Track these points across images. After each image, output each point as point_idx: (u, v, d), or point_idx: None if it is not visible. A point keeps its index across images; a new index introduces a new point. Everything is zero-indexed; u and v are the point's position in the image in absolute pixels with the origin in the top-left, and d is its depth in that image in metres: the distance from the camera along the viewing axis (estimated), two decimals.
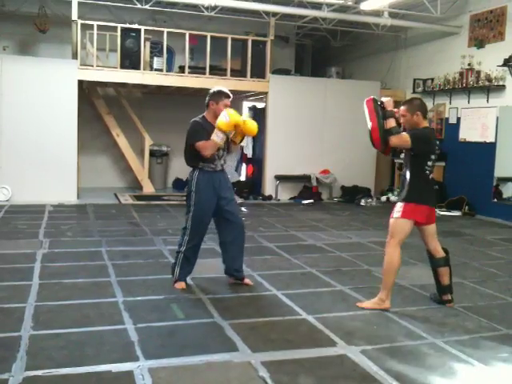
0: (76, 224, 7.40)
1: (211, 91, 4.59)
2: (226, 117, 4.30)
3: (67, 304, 4.10)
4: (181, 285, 4.59)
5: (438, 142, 4.32)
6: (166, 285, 4.66)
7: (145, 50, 9.95)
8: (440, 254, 4.36)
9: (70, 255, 5.61)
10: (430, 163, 4.16)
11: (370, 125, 4.22)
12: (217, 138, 4.33)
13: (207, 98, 4.57)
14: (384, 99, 4.27)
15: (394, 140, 4.10)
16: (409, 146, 4.09)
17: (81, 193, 9.82)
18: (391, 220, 4.24)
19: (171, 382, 2.94)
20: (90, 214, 8.30)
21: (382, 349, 3.46)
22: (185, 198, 4.65)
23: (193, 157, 4.50)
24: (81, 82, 9.78)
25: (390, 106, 4.19)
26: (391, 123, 4.13)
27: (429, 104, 10.69)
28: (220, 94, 4.52)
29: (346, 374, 3.09)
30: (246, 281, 4.79)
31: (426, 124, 4.28)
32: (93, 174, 11.25)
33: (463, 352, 3.45)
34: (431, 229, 4.32)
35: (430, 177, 4.22)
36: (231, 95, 4.59)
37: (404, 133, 4.14)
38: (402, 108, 4.25)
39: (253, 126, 4.57)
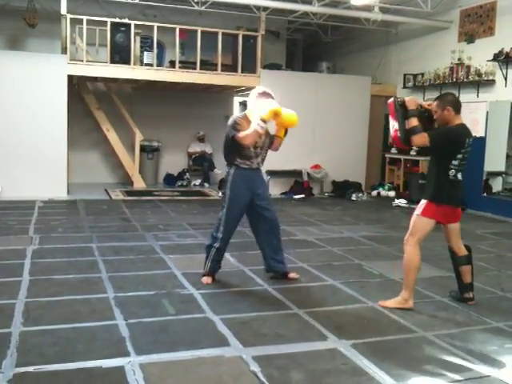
0: (66, 220, 7.37)
1: (254, 91, 4.59)
2: (265, 108, 4.32)
3: (58, 300, 4.08)
4: (208, 280, 4.61)
5: (470, 140, 4.14)
6: (158, 280, 4.66)
7: (135, 44, 9.89)
8: (462, 252, 4.30)
9: (61, 251, 5.58)
10: (455, 162, 4.05)
11: (392, 125, 4.16)
12: (258, 126, 4.31)
13: (250, 98, 4.59)
14: (406, 98, 4.17)
15: (414, 140, 4.02)
16: (428, 144, 4.01)
17: (71, 188, 9.77)
18: (413, 217, 4.17)
19: (162, 377, 2.94)
20: (81, 209, 8.26)
21: (373, 343, 3.48)
22: (220, 194, 4.71)
23: (232, 152, 4.52)
24: (70, 77, 9.71)
25: (412, 105, 4.07)
26: (412, 122, 4.03)
27: (419, 99, 10.73)
28: (261, 95, 4.55)
29: (337, 368, 3.11)
30: (291, 275, 4.82)
31: (459, 120, 4.11)
32: (83, 169, 11.18)
33: (453, 345, 3.47)
34: (455, 227, 4.25)
35: (458, 175, 4.09)
36: (273, 95, 4.59)
37: (425, 132, 4.02)
38: (434, 103, 4.17)
39: (292, 116, 4.55)
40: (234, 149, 4.49)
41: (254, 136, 4.39)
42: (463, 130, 4.13)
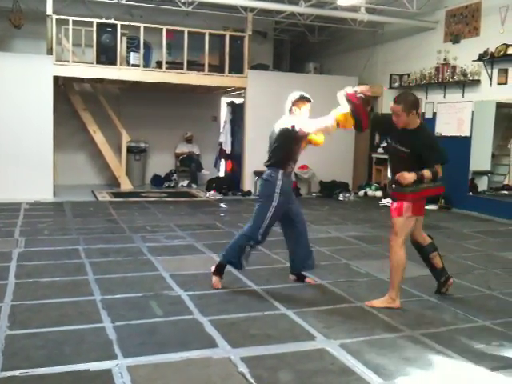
0: (53, 222, 7.31)
1: (293, 96, 4.56)
2: (344, 109, 4.18)
3: (44, 303, 4.05)
4: (218, 284, 4.53)
5: None
6: (145, 282, 4.64)
7: (121, 45, 9.85)
8: (427, 241, 4.42)
9: (47, 254, 5.54)
10: None
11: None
12: (330, 123, 4.22)
13: (289, 104, 4.55)
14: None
15: (440, 173, 4.03)
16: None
17: (57, 190, 9.70)
18: (398, 218, 4.14)
19: (150, 379, 2.93)
20: (67, 211, 8.21)
21: (361, 342, 3.49)
22: (262, 195, 4.59)
23: (287, 154, 4.47)
24: (56, 78, 9.66)
25: (408, 179, 3.98)
26: (427, 177, 3.98)
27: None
28: (302, 99, 4.53)
29: (325, 368, 3.11)
30: (308, 279, 4.83)
31: (418, 121, 4.15)
32: (69, 171, 11.11)
33: (440, 344, 3.49)
34: (421, 219, 4.35)
35: None
36: (311, 99, 4.58)
37: (436, 167, 3.99)
38: (396, 106, 4.04)
39: (321, 138, 4.62)
40: (290, 150, 4.46)
41: (322, 130, 4.39)
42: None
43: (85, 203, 9.09)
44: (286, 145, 4.46)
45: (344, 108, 4.17)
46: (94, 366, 3.02)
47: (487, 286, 4.81)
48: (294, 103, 4.53)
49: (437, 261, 4.44)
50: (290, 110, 4.55)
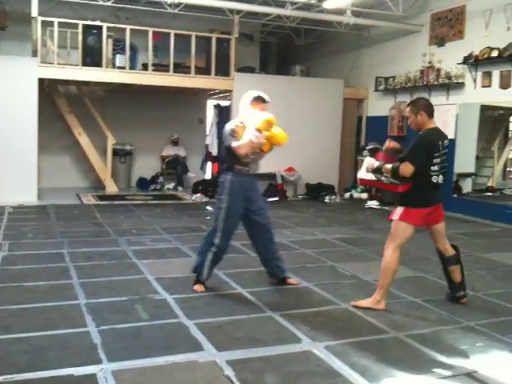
0: (37, 225, 7.24)
1: (248, 96, 4.53)
2: (260, 117, 4.28)
3: (28, 307, 4.00)
4: (201, 287, 4.52)
5: (445, 142, 4.16)
6: (130, 286, 4.61)
7: (107, 47, 9.80)
8: (449, 252, 4.35)
9: (31, 257, 5.48)
10: (434, 168, 4.06)
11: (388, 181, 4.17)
12: (252, 136, 4.27)
13: (243, 103, 4.53)
14: (367, 165, 4.26)
15: (403, 173, 3.99)
16: (414, 168, 3.98)
17: (42, 193, 9.62)
18: (392, 222, 4.18)
19: (136, 383, 2.90)
20: (52, 215, 8.14)
21: (347, 344, 3.50)
22: (217, 199, 4.59)
23: (230, 158, 4.45)
24: (41, 80, 9.57)
25: (371, 166, 4.19)
26: (386, 168, 4.07)
27: (390, 102, 10.90)
28: (257, 99, 4.50)
29: (311, 370, 3.12)
30: (291, 280, 4.80)
31: (431, 124, 4.15)
32: (54, 174, 11.02)
33: (425, 345, 3.51)
34: (439, 228, 4.30)
35: (439, 179, 4.11)
36: (269, 100, 4.55)
37: (402, 164, 4.00)
38: (407, 109, 4.20)
39: (283, 135, 4.54)
40: (233, 154, 4.42)
41: (249, 146, 4.32)
42: (434, 134, 4.15)
43: (69, 206, 9.02)
44: (226, 151, 4.47)
45: (261, 116, 4.27)
46: (78, 371, 2.99)
47: (471, 287, 4.84)
48: (249, 103, 4.50)
49: (456, 275, 4.35)
50: (244, 110, 4.52)
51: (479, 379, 3.09)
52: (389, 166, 4.07)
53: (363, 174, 4.30)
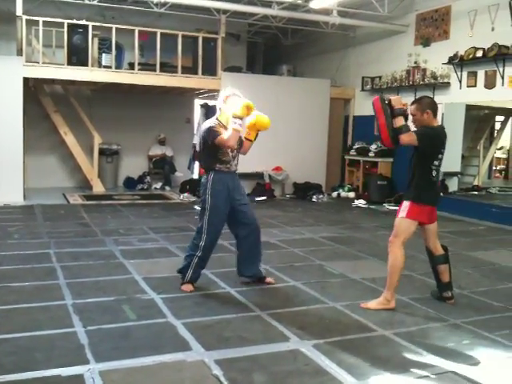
0: (23, 226, 7.18)
1: (221, 93, 4.52)
2: (237, 105, 4.26)
3: (15, 308, 3.97)
4: (189, 287, 4.51)
5: (445, 140, 4.25)
6: (118, 286, 4.59)
7: (93, 46, 9.74)
8: (439, 251, 4.39)
9: (17, 258, 5.43)
10: (436, 162, 4.14)
11: (378, 123, 4.15)
12: (235, 125, 4.22)
13: (218, 101, 4.51)
14: (392, 97, 4.16)
15: (403, 138, 4.04)
16: (416, 143, 4.06)
17: (28, 193, 9.53)
18: (397, 219, 4.21)
19: None
20: (38, 215, 8.07)
21: (334, 342, 3.51)
22: (200, 201, 4.55)
23: (210, 158, 4.43)
24: (26, 80, 9.49)
25: (398, 104, 4.09)
26: (400, 121, 4.05)
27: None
28: (229, 97, 4.46)
29: (299, 369, 3.12)
30: (268, 279, 4.78)
31: (436, 122, 4.24)
32: (40, 173, 10.93)
33: (412, 343, 3.53)
34: (433, 227, 4.35)
35: (438, 176, 4.21)
36: (241, 95, 4.52)
37: (412, 131, 4.09)
38: (412, 107, 4.21)
39: (264, 118, 4.53)
40: (212, 154, 4.40)
41: (236, 136, 4.30)
42: (442, 130, 4.28)
43: (56, 206, 8.96)
44: (206, 151, 4.45)
45: (239, 102, 4.27)
46: (65, 372, 2.97)
47: (458, 286, 4.88)
48: (224, 100, 4.48)
49: (444, 275, 4.38)
50: (220, 108, 4.51)
51: (466, 377, 3.11)
52: (402, 121, 4.06)
53: (383, 100, 4.15)
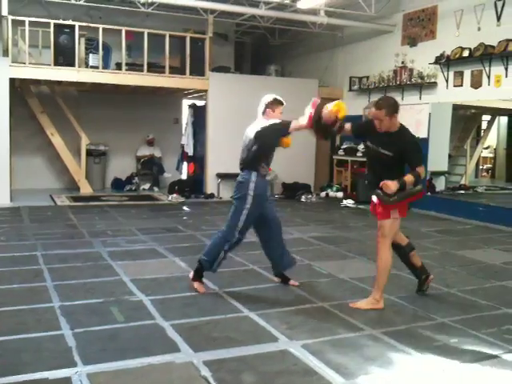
0: (9, 228, 7.12)
1: (266, 99, 4.61)
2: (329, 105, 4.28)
3: (2, 311, 3.94)
4: (202, 288, 4.54)
5: None
6: (106, 288, 4.57)
7: (80, 46, 9.69)
8: (405, 240, 4.48)
9: (4, 260, 5.39)
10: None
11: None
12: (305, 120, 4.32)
13: (263, 107, 4.60)
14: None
15: (423, 175, 4.10)
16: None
17: (14, 195, 9.46)
18: (382, 221, 4.19)
19: None
20: (25, 216, 8.01)
21: (323, 342, 3.51)
22: (236, 197, 4.56)
23: (261, 155, 4.50)
24: (13, 80, 9.42)
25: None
26: (410, 181, 4.02)
27: (364, 102, 10.99)
28: (276, 102, 4.60)
29: (288, 369, 3.13)
30: (292, 282, 4.80)
31: (398, 123, 4.18)
32: (27, 175, 10.87)
33: (400, 342, 3.55)
34: (400, 221, 4.35)
35: None
36: (284, 102, 4.64)
37: (416, 169, 4.03)
38: (379, 111, 4.06)
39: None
40: (265, 154, 4.51)
41: (301, 127, 4.39)
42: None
43: (43, 208, 8.90)
44: (261, 147, 4.49)
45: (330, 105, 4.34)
46: (52, 375, 2.95)
47: (445, 284, 4.92)
48: (269, 106, 4.59)
49: (416, 260, 4.51)
50: (264, 112, 4.60)
51: (454, 375, 3.14)
52: (411, 179, 4.01)
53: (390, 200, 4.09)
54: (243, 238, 4.58)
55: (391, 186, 3.97)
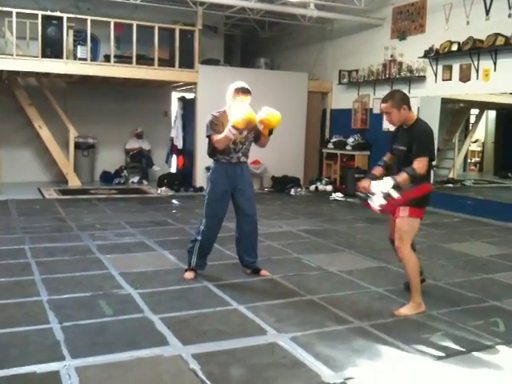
0: None
1: (231, 86, 4.56)
2: (238, 114, 4.31)
3: None
4: (190, 275, 4.69)
5: None
6: (94, 281, 4.55)
7: (67, 38, 9.60)
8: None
9: None
10: (433, 161, 4.04)
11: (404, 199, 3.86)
12: (229, 133, 4.36)
13: (228, 93, 4.56)
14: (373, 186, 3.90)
15: (422, 172, 3.83)
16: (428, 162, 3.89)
17: (1, 188, 9.39)
18: (399, 220, 4.00)
19: (99, 380, 2.87)
20: (12, 210, 7.95)
21: (311, 334, 3.53)
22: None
23: (211, 149, 4.61)
24: (0, 72, 9.32)
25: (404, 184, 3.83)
26: (405, 179, 3.80)
27: (353, 95, 11.00)
28: (238, 90, 4.51)
29: (277, 362, 3.14)
30: (263, 272, 4.85)
31: (414, 115, 4.07)
32: (14, 168, 10.75)
33: (389, 334, 3.57)
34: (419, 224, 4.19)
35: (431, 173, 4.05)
36: (250, 91, 4.55)
37: (415, 161, 3.83)
38: (385, 105, 4.00)
39: (273, 117, 4.50)
40: (212, 147, 4.57)
41: (225, 141, 4.43)
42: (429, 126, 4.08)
43: (31, 201, 8.83)
44: (208, 142, 4.64)
45: (240, 113, 4.31)
46: (40, 368, 2.94)
47: (432, 277, 4.95)
48: (233, 94, 4.54)
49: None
50: (229, 100, 4.58)
51: (441, 367, 3.16)
52: (402, 175, 3.81)
53: (380, 201, 3.86)
54: (214, 227, 4.67)
55: (364, 184, 3.95)
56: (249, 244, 4.83)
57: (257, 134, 4.70)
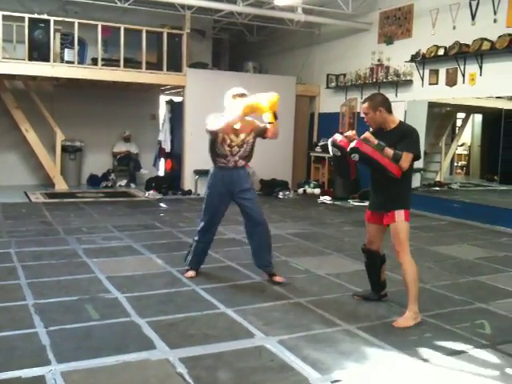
0: None
1: (228, 93, 4.72)
2: (239, 105, 4.47)
3: None
4: (190, 274, 4.84)
5: None
6: (81, 285, 4.52)
7: (55, 41, 9.55)
8: (381, 250, 4.29)
9: None
10: (420, 164, 4.02)
11: (380, 165, 3.82)
12: (231, 117, 4.48)
13: (225, 100, 4.71)
14: (366, 135, 3.89)
15: (404, 166, 3.80)
16: (413, 160, 3.85)
17: None
18: (395, 225, 3.94)
19: None
20: None
21: (299, 337, 3.53)
22: None
23: (210, 150, 4.73)
24: None
25: (371, 138, 3.84)
26: (389, 152, 3.77)
27: (341, 99, 11.05)
28: (235, 96, 4.67)
29: (264, 365, 3.13)
30: (276, 278, 4.78)
31: (394, 119, 4.01)
32: (1, 171, 10.66)
33: (376, 337, 3.58)
34: (384, 228, 4.17)
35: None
36: (246, 93, 4.70)
37: (403, 153, 3.79)
38: (364, 105, 4.01)
39: (272, 97, 4.60)
40: (211, 147, 4.70)
41: (219, 124, 4.49)
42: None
43: (17, 205, 8.75)
44: (209, 143, 4.74)
45: (241, 104, 4.46)
46: (26, 373, 2.91)
47: (420, 280, 4.95)
48: (231, 99, 4.70)
49: (384, 272, 4.35)
50: (227, 106, 4.71)
51: (428, 369, 3.18)
52: (390, 150, 3.79)
53: (362, 145, 3.83)
54: (210, 228, 4.80)
55: (370, 135, 3.89)
56: (261, 244, 4.79)
57: (258, 133, 4.76)
